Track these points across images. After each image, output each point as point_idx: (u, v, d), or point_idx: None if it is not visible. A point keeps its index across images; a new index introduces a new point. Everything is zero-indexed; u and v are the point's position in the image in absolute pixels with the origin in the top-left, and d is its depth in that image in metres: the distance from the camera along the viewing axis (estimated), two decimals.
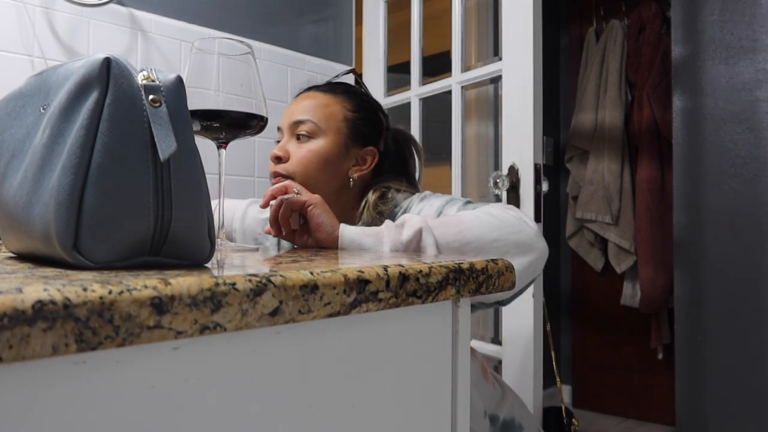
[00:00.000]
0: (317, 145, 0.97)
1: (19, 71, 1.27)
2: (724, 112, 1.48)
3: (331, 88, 1.03)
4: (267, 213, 1.11)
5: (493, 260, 0.53)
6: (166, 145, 0.39)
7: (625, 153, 2.60)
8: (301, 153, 0.96)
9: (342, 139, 0.98)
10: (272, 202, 0.82)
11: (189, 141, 0.42)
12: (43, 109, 0.43)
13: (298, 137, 0.98)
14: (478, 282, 0.50)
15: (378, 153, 1.01)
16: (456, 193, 1.65)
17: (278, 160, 0.97)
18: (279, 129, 1.02)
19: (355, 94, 1.03)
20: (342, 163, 0.98)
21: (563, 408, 1.86)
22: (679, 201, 1.58)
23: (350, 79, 1.18)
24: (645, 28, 2.57)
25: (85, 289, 0.29)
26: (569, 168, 2.77)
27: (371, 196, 0.98)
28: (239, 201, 1.20)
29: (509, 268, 0.54)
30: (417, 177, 1.13)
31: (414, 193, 1.01)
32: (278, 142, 1.01)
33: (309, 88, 1.04)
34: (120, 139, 0.38)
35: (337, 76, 1.11)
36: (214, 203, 0.96)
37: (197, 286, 0.33)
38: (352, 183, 0.99)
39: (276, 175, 0.97)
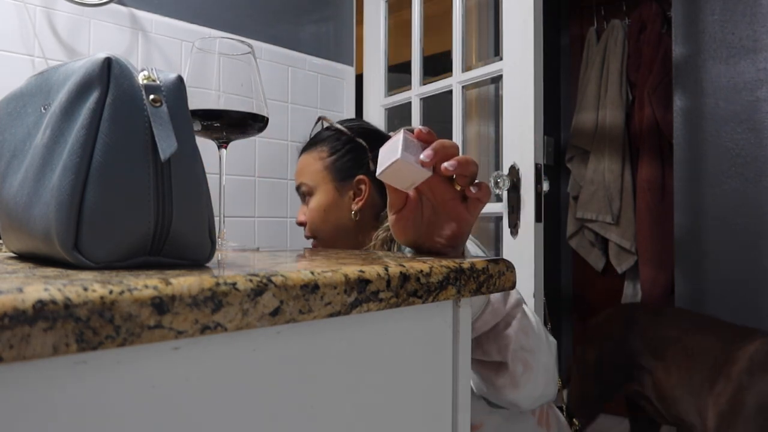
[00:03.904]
0: (315, 201, 1.05)
1: (20, 71, 1.27)
2: (725, 112, 1.48)
3: (310, 144, 1.09)
4: None
5: (493, 260, 0.53)
6: (167, 145, 0.39)
7: (626, 153, 2.60)
8: (309, 214, 1.06)
9: (331, 185, 1.04)
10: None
11: (190, 141, 0.42)
12: (44, 108, 0.43)
13: (304, 198, 1.07)
14: (479, 282, 0.50)
15: (369, 179, 1.03)
16: None
17: (302, 224, 1.08)
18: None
19: (328, 138, 1.07)
20: (341, 204, 1.04)
21: (564, 408, 1.86)
22: (680, 201, 1.58)
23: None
24: (646, 27, 2.57)
25: (85, 289, 0.29)
26: (570, 168, 2.77)
27: (381, 234, 0.99)
28: None
29: (510, 267, 0.54)
30: None
31: None
32: None
33: (300, 153, 1.11)
34: (121, 139, 0.38)
35: (312, 130, 1.15)
36: (214, 203, 0.96)
37: (198, 285, 0.33)
38: (359, 216, 1.03)
39: (306, 238, 1.08)
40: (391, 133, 0.57)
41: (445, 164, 0.52)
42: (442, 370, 0.51)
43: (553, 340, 0.86)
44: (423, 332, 0.50)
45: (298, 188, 1.08)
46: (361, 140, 1.06)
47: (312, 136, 1.13)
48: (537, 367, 0.78)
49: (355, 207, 1.03)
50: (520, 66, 1.43)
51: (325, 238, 1.05)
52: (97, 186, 0.37)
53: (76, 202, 0.37)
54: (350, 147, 1.06)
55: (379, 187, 1.04)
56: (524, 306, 0.80)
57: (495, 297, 0.76)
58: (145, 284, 0.31)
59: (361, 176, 1.04)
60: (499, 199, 1.50)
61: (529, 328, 0.79)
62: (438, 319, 0.51)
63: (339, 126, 1.08)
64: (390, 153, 0.52)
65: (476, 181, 0.55)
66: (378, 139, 1.07)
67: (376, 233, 1.00)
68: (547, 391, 0.82)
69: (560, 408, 1.86)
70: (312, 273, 0.39)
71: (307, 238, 1.08)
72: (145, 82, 0.40)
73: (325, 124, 1.12)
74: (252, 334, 0.38)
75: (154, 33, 1.47)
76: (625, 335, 1.61)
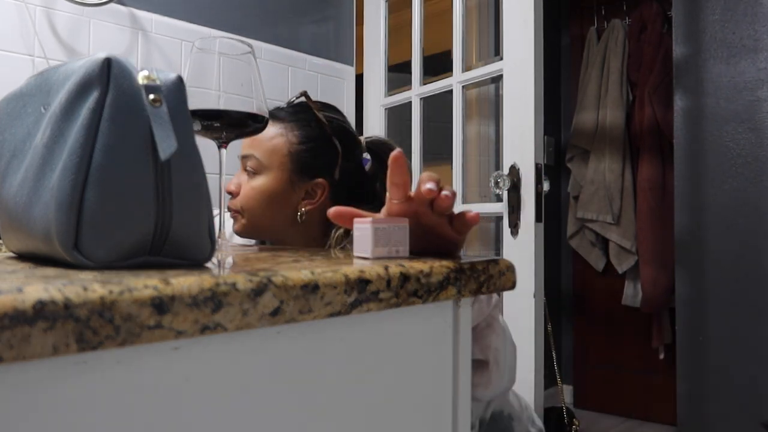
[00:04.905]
0: (260, 182, 0.93)
1: (20, 71, 1.27)
2: (725, 112, 1.48)
3: (284, 115, 0.97)
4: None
5: (493, 260, 0.53)
6: (166, 145, 0.39)
7: (627, 153, 2.60)
8: (245, 190, 0.94)
9: (286, 175, 0.94)
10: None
11: (190, 141, 0.42)
12: (44, 108, 0.43)
13: (247, 171, 0.95)
14: (479, 282, 0.50)
15: (329, 185, 0.95)
16: (457, 194, 1.65)
17: (231, 194, 0.96)
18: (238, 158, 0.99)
19: (306, 122, 0.96)
20: (289, 199, 0.94)
21: (564, 408, 1.86)
22: (681, 201, 1.58)
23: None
24: (646, 27, 2.57)
25: (85, 289, 0.29)
26: (570, 168, 2.77)
27: (334, 235, 0.94)
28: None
29: (510, 267, 0.54)
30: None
31: None
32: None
33: None
34: (120, 139, 0.38)
35: (290, 99, 1.02)
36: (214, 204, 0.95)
37: (198, 285, 0.33)
38: (303, 218, 0.94)
39: (229, 209, 0.96)
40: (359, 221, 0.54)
41: (445, 192, 0.51)
42: (443, 370, 0.51)
43: (513, 343, 0.90)
44: (423, 332, 0.50)
45: (244, 158, 0.95)
46: (337, 142, 0.96)
47: (288, 105, 1.00)
48: (505, 367, 0.82)
49: (302, 208, 0.94)
50: (521, 66, 1.43)
51: (255, 222, 0.95)
52: (97, 186, 0.37)
53: (76, 202, 0.37)
54: (323, 144, 0.95)
55: (336, 195, 0.96)
56: None
57: (481, 296, 0.77)
58: (145, 284, 0.31)
59: (321, 180, 0.94)
60: (499, 199, 1.50)
61: (500, 329, 0.83)
62: (438, 319, 0.51)
63: (320, 115, 0.97)
64: (363, 243, 0.53)
65: (462, 211, 0.55)
66: (353, 145, 0.99)
67: (334, 231, 0.94)
68: (505, 390, 0.88)
69: (560, 408, 1.86)
70: (312, 273, 0.38)
71: (230, 210, 0.96)
72: (145, 82, 0.40)
73: (299, 101, 1.00)
74: (252, 334, 0.38)
75: (154, 33, 1.47)
76: None
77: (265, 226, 0.96)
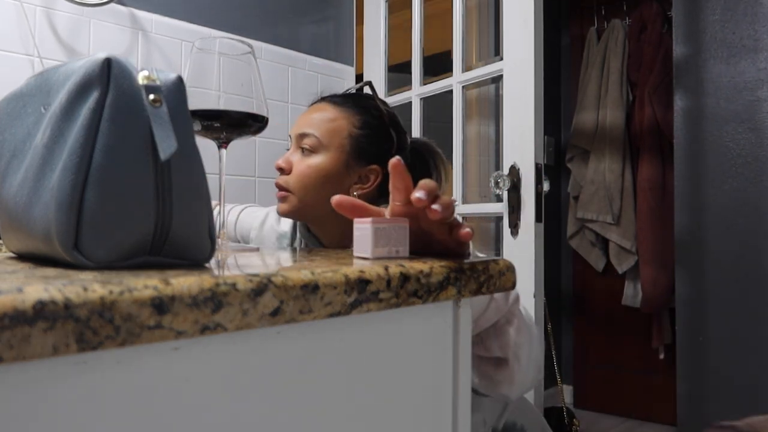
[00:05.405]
0: (318, 160, 0.95)
1: (19, 71, 1.27)
2: (725, 112, 1.48)
3: (344, 100, 1.00)
4: (284, 226, 1.09)
5: (493, 260, 0.53)
6: (166, 145, 0.39)
7: (627, 153, 2.60)
8: (300, 167, 0.96)
9: (344, 157, 0.96)
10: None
11: (190, 141, 0.42)
12: (44, 108, 0.43)
13: (302, 150, 0.97)
14: (479, 282, 0.50)
15: (382, 172, 0.98)
16: (457, 194, 1.65)
17: (281, 170, 0.98)
18: (290, 137, 1.02)
19: (366, 109, 1.00)
20: (343, 181, 0.96)
21: (564, 408, 1.86)
22: (681, 201, 1.58)
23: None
24: (646, 27, 2.57)
25: (85, 289, 0.29)
26: (570, 168, 2.77)
27: None
28: (261, 210, 1.18)
29: (510, 267, 0.54)
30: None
31: None
32: (289, 149, 1.01)
33: (323, 98, 1.03)
34: (120, 139, 0.38)
35: (350, 88, 1.06)
36: (214, 203, 0.96)
37: (198, 286, 0.33)
38: None
39: (278, 186, 0.98)
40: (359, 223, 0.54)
41: (435, 206, 0.50)
42: (443, 370, 0.51)
43: (540, 334, 0.88)
44: (423, 332, 0.50)
45: (301, 135, 0.96)
46: (393, 132, 0.99)
47: (350, 92, 1.04)
48: (528, 362, 0.81)
49: (353, 193, 0.96)
50: (521, 66, 1.43)
51: (303, 202, 0.95)
52: (97, 186, 0.37)
53: (76, 202, 0.37)
54: (381, 132, 0.99)
55: (385, 184, 0.98)
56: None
57: (496, 295, 0.77)
58: (145, 284, 0.31)
59: (375, 166, 0.97)
60: (499, 199, 1.50)
61: (522, 324, 0.82)
62: (438, 319, 0.51)
63: (381, 105, 1.00)
64: (363, 243, 0.53)
65: (460, 221, 0.55)
66: (404, 139, 1.02)
67: None
68: (534, 383, 0.85)
69: (560, 408, 1.86)
70: (312, 273, 0.38)
71: (280, 188, 0.97)
72: (145, 82, 0.40)
73: (366, 92, 1.03)
74: (252, 334, 0.38)
75: (154, 33, 1.47)
76: None
77: (314, 207, 0.96)
